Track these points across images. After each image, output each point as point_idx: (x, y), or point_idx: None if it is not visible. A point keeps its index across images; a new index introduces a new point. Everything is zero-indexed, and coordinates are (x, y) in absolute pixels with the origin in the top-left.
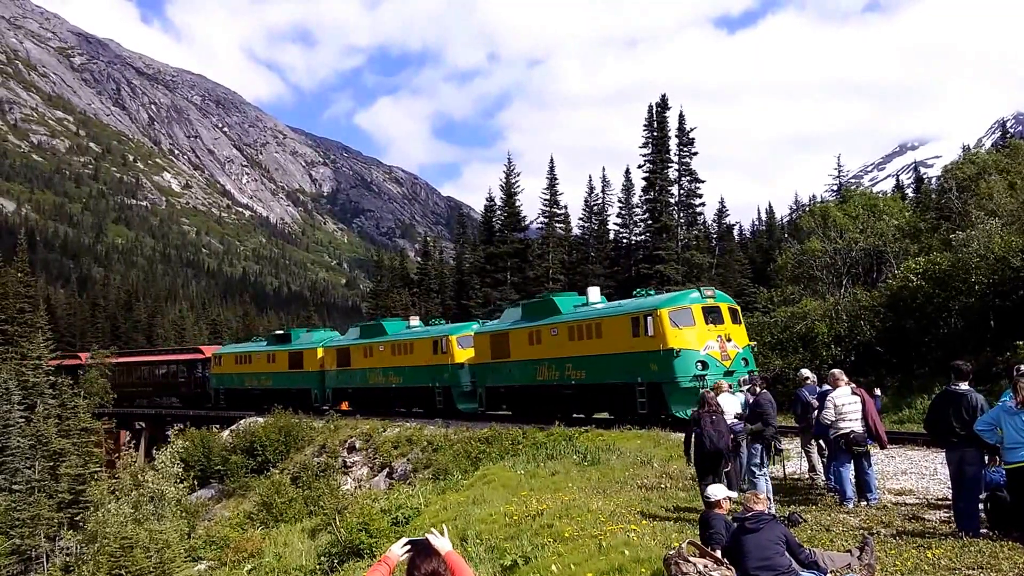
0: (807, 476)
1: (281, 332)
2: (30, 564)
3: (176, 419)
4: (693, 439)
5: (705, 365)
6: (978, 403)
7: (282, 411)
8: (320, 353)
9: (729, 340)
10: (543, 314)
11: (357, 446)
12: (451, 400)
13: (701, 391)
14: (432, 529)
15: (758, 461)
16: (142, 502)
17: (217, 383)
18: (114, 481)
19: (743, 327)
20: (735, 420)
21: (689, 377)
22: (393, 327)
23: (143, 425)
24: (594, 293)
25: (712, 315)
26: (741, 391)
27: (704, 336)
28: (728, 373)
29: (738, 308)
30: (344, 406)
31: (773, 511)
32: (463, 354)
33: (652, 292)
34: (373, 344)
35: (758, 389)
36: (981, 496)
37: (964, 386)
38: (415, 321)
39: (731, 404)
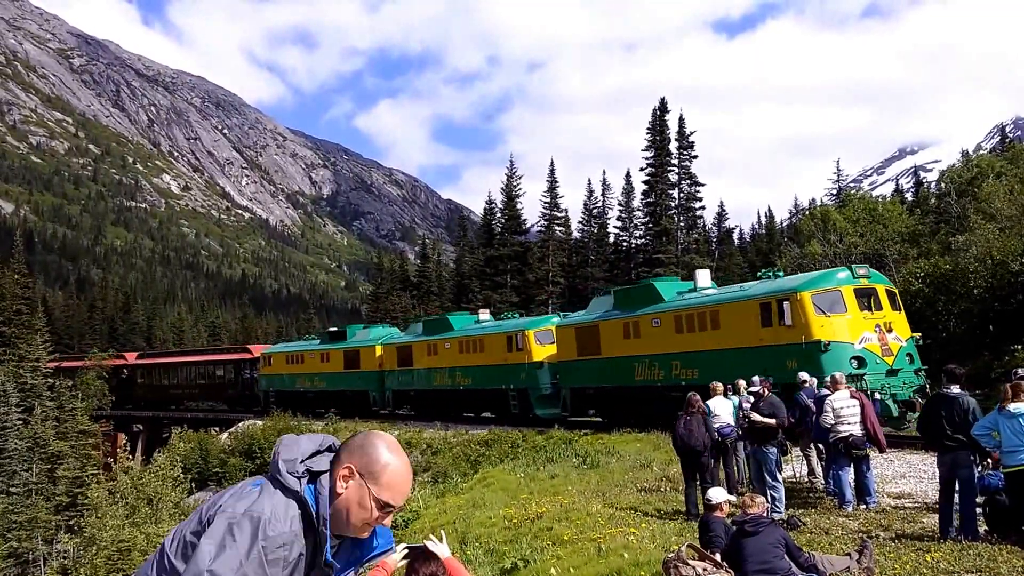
0: (806, 479)
1: (336, 329)
2: (27, 567)
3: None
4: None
5: (862, 362)
6: (970, 406)
7: (336, 417)
8: (379, 351)
9: (890, 331)
10: (642, 302)
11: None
12: (528, 404)
13: (689, 394)
14: (431, 535)
15: (772, 468)
16: (139, 505)
17: (266, 385)
18: (111, 484)
19: (903, 315)
20: (727, 424)
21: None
22: (460, 322)
23: (141, 427)
24: (703, 277)
25: (868, 299)
26: (740, 394)
27: (859, 326)
28: (892, 372)
29: (896, 291)
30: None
31: (785, 518)
32: (542, 351)
33: (780, 273)
34: (438, 341)
35: (767, 392)
36: (979, 500)
37: (956, 389)
38: (485, 315)
39: (723, 408)
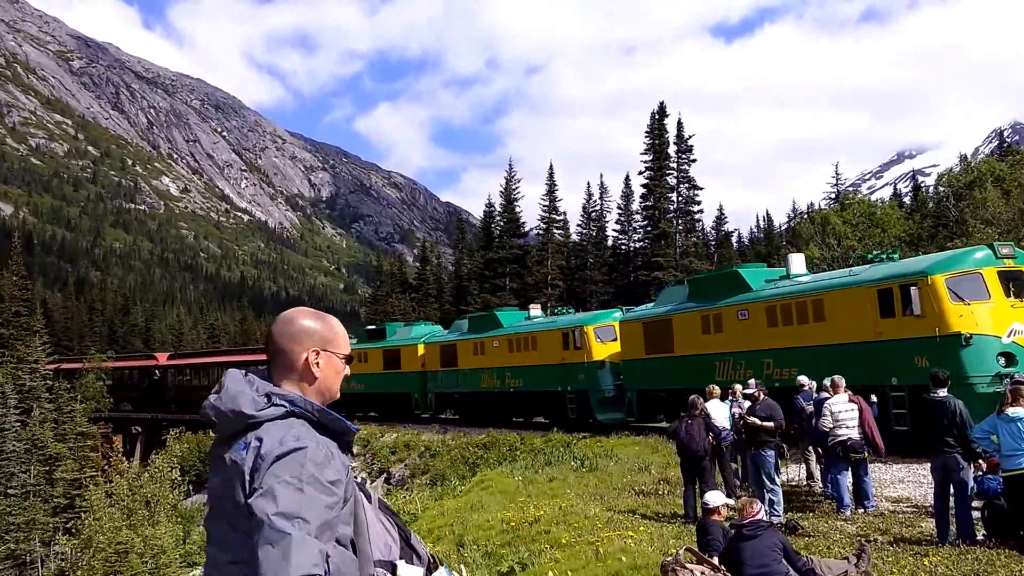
0: (804, 483)
1: (374, 327)
2: (25, 569)
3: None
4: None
5: (1011, 359)
6: (957, 409)
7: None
8: (421, 350)
9: None
10: (724, 292)
11: (354, 451)
12: (588, 408)
13: (692, 396)
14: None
15: (770, 472)
16: (136, 507)
17: None
18: (108, 486)
19: None
20: (723, 428)
21: (987, 378)
22: (509, 318)
23: (139, 430)
24: (798, 262)
25: (1014, 283)
26: (736, 398)
27: (1006, 315)
28: None
29: None
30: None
31: (783, 522)
32: (603, 349)
33: (895, 255)
34: (485, 339)
35: (761, 396)
36: (977, 504)
37: (942, 393)
38: (536, 310)
39: (720, 412)
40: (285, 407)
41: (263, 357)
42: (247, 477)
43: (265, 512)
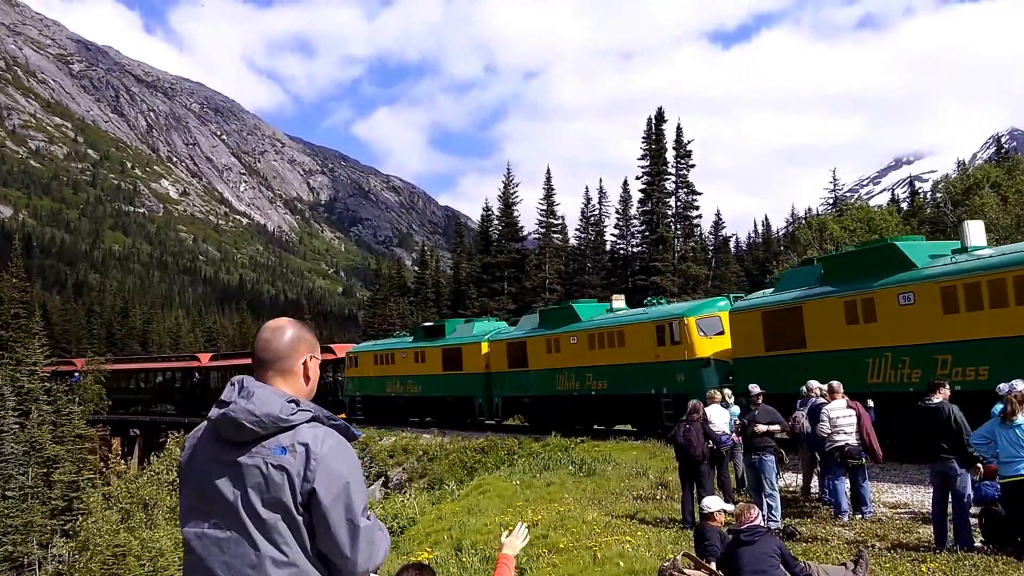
0: (801, 489)
1: (432, 324)
2: (22, 571)
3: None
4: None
5: None
6: (952, 415)
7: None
8: (484, 349)
9: None
10: (875, 272)
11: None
12: None
13: (692, 401)
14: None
15: (771, 477)
16: (134, 510)
17: (353, 389)
18: (107, 488)
19: None
20: (723, 432)
21: None
22: (589, 311)
23: (137, 432)
24: (977, 231)
25: None
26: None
27: None
28: None
29: None
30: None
31: (781, 527)
32: (708, 345)
33: None
34: (560, 335)
35: (759, 402)
36: (974, 511)
37: (937, 399)
38: (619, 302)
39: (720, 417)
40: (310, 412)
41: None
42: (298, 478)
43: (341, 509)
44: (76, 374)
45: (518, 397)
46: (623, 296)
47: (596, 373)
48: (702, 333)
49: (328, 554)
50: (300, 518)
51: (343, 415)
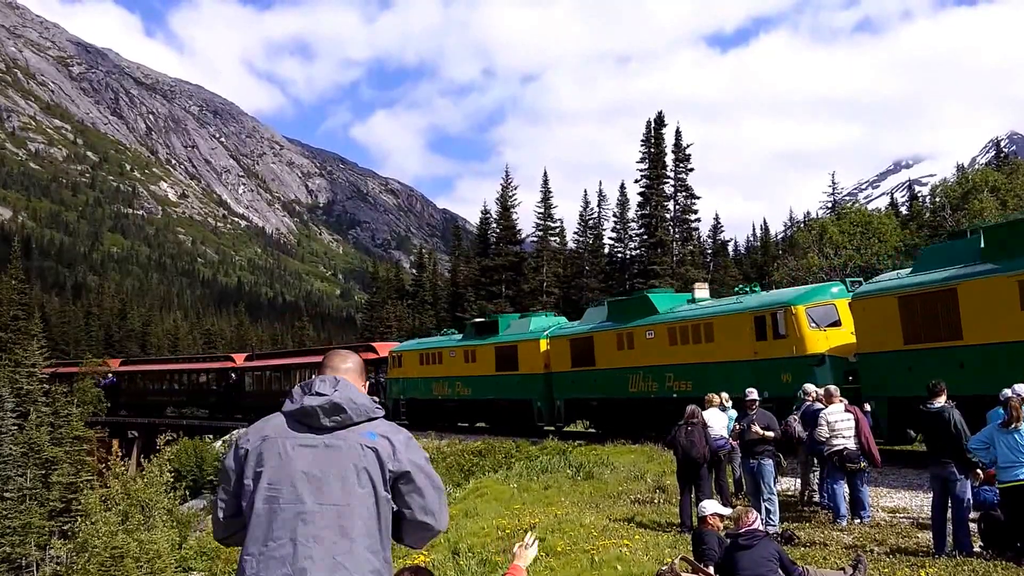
0: (800, 493)
1: (483, 320)
2: (20, 572)
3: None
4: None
5: None
6: (953, 419)
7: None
8: (543, 346)
9: None
10: None
11: None
12: None
13: (690, 407)
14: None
15: (770, 481)
16: (131, 511)
17: (398, 391)
18: (104, 490)
19: None
20: (720, 436)
21: None
22: (667, 301)
23: (136, 434)
24: None
25: None
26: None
27: None
28: None
29: None
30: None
31: (779, 531)
32: (820, 339)
33: None
34: (634, 330)
35: (755, 407)
36: (973, 516)
37: (938, 403)
38: (703, 291)
39: (718, 420)
40: (382, 411)
41: (364, 356)
42: (388, 459)
43: (428, 479)
44: (110, 375)
45: (583, 400)
46: (707, 285)
47: (678, 372)
48: (814, 324)
49: (421, 516)
50: (386, 494)
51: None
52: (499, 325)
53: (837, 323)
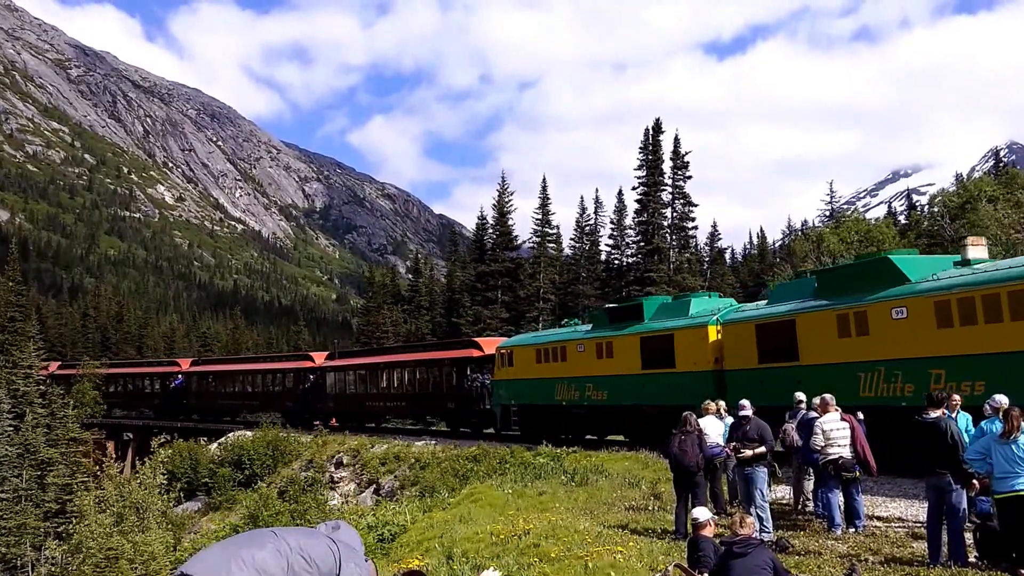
0: (794, 501)
1: (619, 304)
2: (15, 573)
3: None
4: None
5: None
6: (950, 430)
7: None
8: (713, 335)
9: None
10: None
11: (344, 462)
12: None
13: (685, 413)
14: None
15: (763, 488)
16: (126, 513)
17: (506, 395)
18: (99, 492)
19: None
20: (716, 444)
21: None
22: (921, 267)
23: (131, 436)
24: (977, 246)
25: None
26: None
27: None
28: None
29: None
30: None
31: (773, 540)
32: None
33: None
34: (869, 307)
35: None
36: (969, 525)
37: (935, 414)
38: (978, 249)
39: (714, 428)
40: None
41: (440, 355)
42: None
43: None
44: (180, 376)
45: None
46: (984, 240)
47: (953, 368)
48: None
49: None
50: None
51: (490, 429)
52: (643, 309)
53: None
